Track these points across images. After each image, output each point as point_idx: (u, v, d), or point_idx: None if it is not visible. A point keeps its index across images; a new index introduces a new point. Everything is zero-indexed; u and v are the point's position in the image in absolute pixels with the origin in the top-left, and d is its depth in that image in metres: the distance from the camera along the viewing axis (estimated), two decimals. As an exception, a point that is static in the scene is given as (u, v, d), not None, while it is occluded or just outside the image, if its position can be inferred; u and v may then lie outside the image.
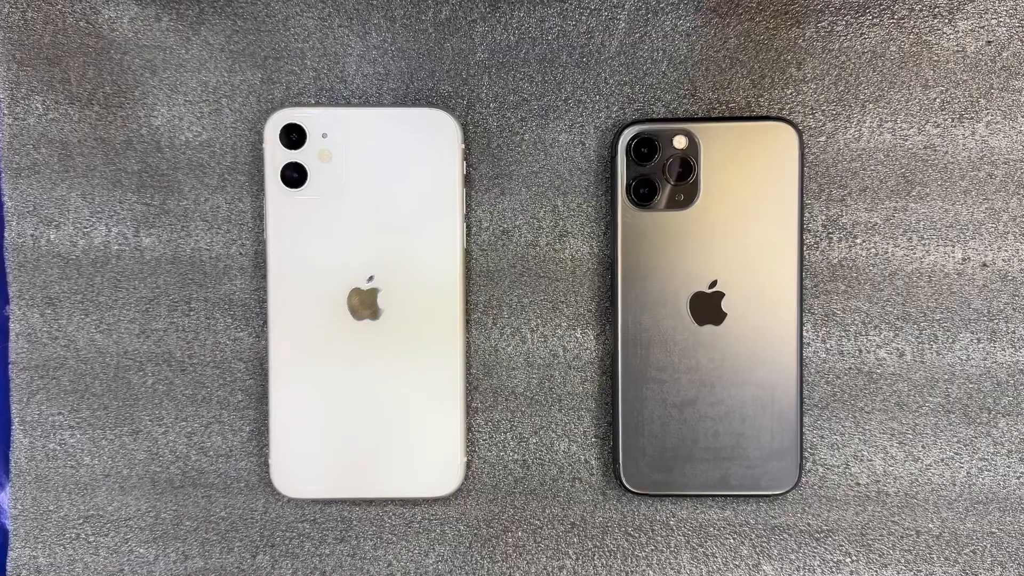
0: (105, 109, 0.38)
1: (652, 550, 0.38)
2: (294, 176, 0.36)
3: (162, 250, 0.38)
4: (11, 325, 0.38)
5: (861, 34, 0.37)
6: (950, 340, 0.37)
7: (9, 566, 0.38)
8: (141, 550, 0.38)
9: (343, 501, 0.38)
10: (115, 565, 0.38)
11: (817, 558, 0.38)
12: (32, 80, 0.38)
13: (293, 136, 0.36)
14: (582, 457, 0.38)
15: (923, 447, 0.38)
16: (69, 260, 0.38)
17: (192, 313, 0.38)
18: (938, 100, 0.37)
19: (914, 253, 0.37)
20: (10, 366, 0.38)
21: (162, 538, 0.38)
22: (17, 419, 0.38)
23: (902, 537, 0.38)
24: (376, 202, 0.36)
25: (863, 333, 0.37)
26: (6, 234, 0.38)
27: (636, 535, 0.38)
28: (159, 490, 0.38)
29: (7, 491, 0.39)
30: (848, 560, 0.38)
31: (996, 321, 0.37)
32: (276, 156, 0.36)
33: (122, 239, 0.38)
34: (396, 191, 0.36)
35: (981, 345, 0.37)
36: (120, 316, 0.38)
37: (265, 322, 0.38)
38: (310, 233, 0.36)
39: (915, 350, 0.37)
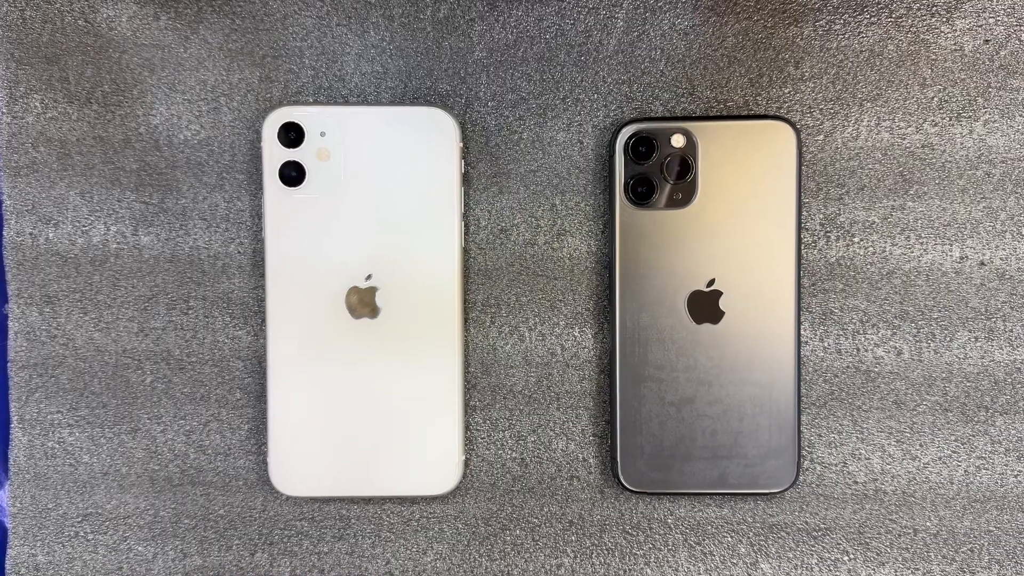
0: (104, 108, 0.38)
1: (650, 548, 0.38)
2: (292, 175, 0.36)
3: (160, 248, 0.38)
4: (10, 323, 0.38)
5: (859, 33, 0.37)
6: (948, 339, 0.37)
7: (8, 564, 0.38)
8: (140, 548, 0.39)
9: (341, 499, 0.38)
10: (114, 563, 0.39)
11: (815, 556, 0.38)
12: (31, 79, 0.38)
13: (291, 135, 0.36)
14: (580, 455, 0.38)
15: (921, 445, 0.38)
16: (68, 258, 0.38)
17: (191, 311, 0.38)
18: (936, 99, 0.37)
19: (912, 252, 0.37)
20: (9, 364, 0.38)
21: (161, 536, 0.39)
22: (16, 417, 0.38)
23: (900, 535, 0.38)
24: (374, 201, 0.36)
25: (861, 332, 0.37)
26: (5, 233, 0.38)
27: (634, 533, 0.38)
28: (158, 488, 0.38)
29: (6, 489, 0.39)
30: (846, 558, 0.38)
31: (994, 320, 0.37)
32: (274, 155, 0.36)
33: (120, 237, 0.38)
34: (394, 190, 0.36)
35: (979, 343, 0.37)
36: (119, 314, 0.38)
37: (263, 320, 0.38)
38: (308, 232, 0.36)
39: (913, 348, 0.37)
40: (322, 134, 0.36)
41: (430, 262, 0.36)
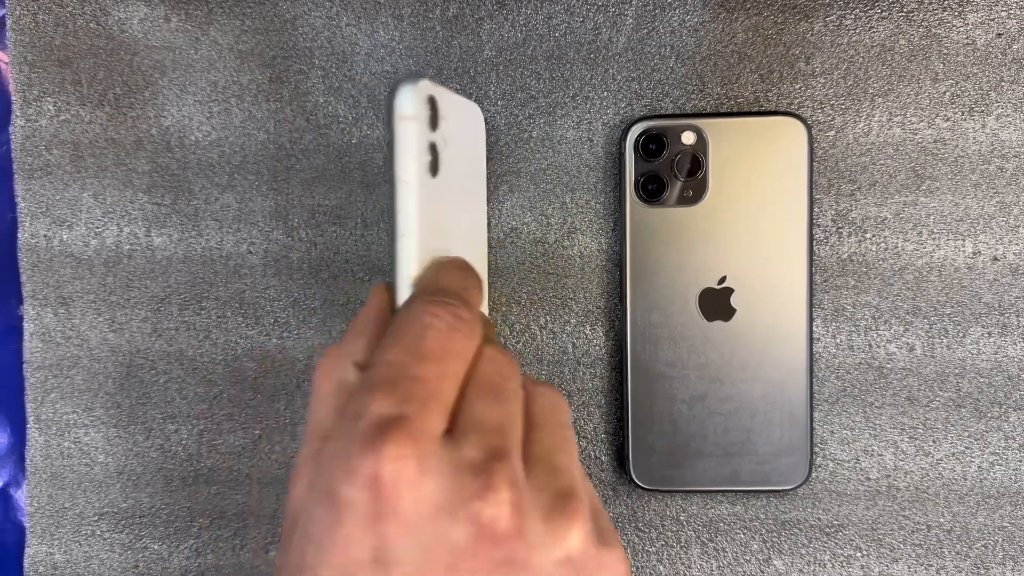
0: (116, 110, 0.38)
1: (663, 545, 0.38)
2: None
3: (173, 249, 0.38)
4: (25, 325, 0.38)
5: (870, 28, 0.37)
6: (961, 334, 0.37)
7: (26, 563, 0.39)
8: (155, 546, 0.39)
9: (354, 498, 0.38)
10: (130, 561, 0.39)
11: (828, 553, 0.38)
12: (44, 82, 0.38)
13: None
14: (592, 453, 0.38)
15: (934, 441, 0.37)
16: (81, 260, 0.38)
17: (203, 312, 0.38)
18: (948, 94, 0.37)
19: (924, 247, 0.37)
20: (24, 365, 0.39)
21: (175, 535, 0.39)
22: (32, 418, 0.39)
23: (913, 532, 0.38)
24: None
25: (873, 328, 0.37)
26: (19, 235, 0.38)
27: (646, 530, 0.38)
28: (172, 487, 0.39)
29: (23, 489, 0.39)
30: (859, 555, 0.38)
31: (1007, 315, 0.37)
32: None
33: (134, 239, 0.38)
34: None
35: (992, 339, 0.37)
36: (132, 315, 0.38)
37: (275, 320, 0.38)
38: None
39: (925, 344, 0.37)
40: None
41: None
